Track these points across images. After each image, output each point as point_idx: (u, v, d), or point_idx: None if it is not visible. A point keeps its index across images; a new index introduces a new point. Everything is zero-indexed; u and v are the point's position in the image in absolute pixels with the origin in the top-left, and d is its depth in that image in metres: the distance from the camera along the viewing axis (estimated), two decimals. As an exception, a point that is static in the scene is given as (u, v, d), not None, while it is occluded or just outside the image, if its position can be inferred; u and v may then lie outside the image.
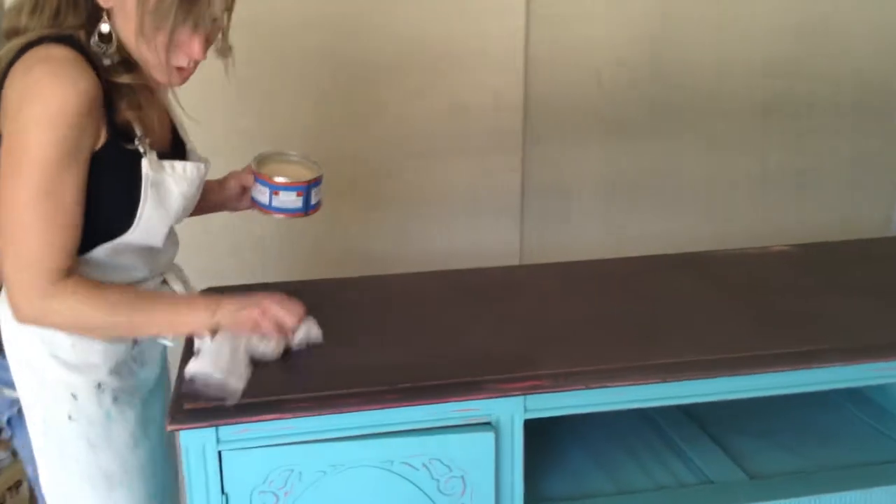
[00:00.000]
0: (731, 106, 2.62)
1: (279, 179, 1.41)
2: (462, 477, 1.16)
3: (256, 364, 1.20)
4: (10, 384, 1.27)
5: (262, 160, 1.47)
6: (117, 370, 1.27)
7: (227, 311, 1.20)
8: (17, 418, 1.32)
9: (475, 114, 2.43)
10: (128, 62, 1.17)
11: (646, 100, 2.54)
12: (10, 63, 1.12)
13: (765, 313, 1.39)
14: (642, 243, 2.62)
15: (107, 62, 1.16)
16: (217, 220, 2.45)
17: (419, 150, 2.45)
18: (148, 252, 1.29)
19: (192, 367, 1.16)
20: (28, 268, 1.12)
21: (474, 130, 2.45)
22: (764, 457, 1.39)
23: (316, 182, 1.44)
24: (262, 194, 1.43)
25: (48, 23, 1.15)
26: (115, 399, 1.27)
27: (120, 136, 1.17)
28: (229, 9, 1.24)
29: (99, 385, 1.25)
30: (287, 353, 1.24)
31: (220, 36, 1.25)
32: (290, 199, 1.43)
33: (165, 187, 1.23)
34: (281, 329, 1.23)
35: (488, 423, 1.16)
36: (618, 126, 2.54)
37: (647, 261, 1.69)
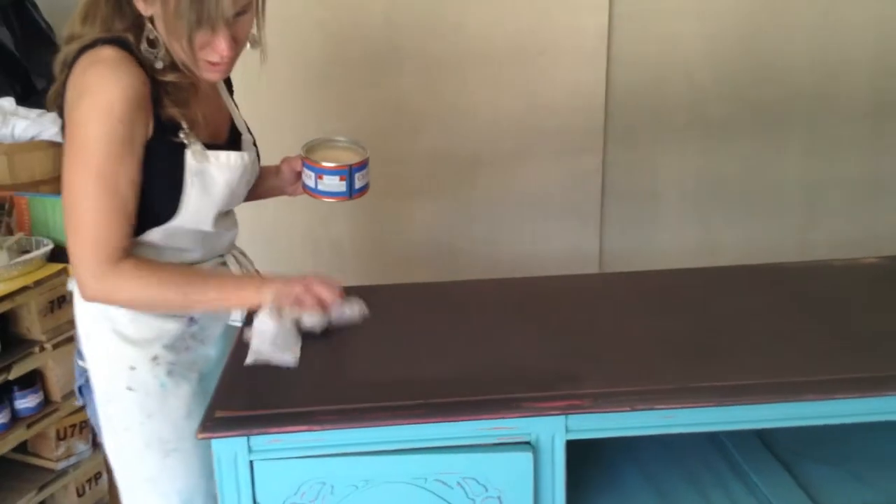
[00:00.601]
0: (838, 107, 2.45)
1: (323, 164, 1.46)
2: (499, 497, 1.12)
3: (304, 336, 1.28)
4: (83, 355, 1.40)
5: (311, 146, 1.52)
6: (172, 345, 1.36)
7: (272, 287, 1.28)
8: (87, 387, 1.42)
9: (554, 112, 2.37)
10: (175, 63, 1.25)
11: (741, 99, 2.41)
12: (71, 64, 1.23)
13: (842, 332, 1.28)
14: (735, 252, 2.50)
15: (159, 65, 1.24)
16: (296, 221, 2.50)
17: (495, 151, 2.41)
18: (201, 235, 1.37)
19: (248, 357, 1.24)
20: (89, 247, 1.22)
21: (553, 130, 2.38)
22: (835, 487, 1.27)
23: (360, 166, 1.47)
24: (308, 178, 1.48)
25: (100, 28, 1.25)
26: (170, 372, 1.36)
27: (167, 129, 1.25)
28: (254, 6, 1.28)
29: (155, 358, 1.35)
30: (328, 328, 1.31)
31: (254, 29, 1.31)
32: (335, 183, 1.47)
33: (209, 176, 1.31)
34: (321, 304, 1.29)
35: (526, 443, 1.11)
36: (709, 127, 2.42)
37: (722, 272, 1.59)
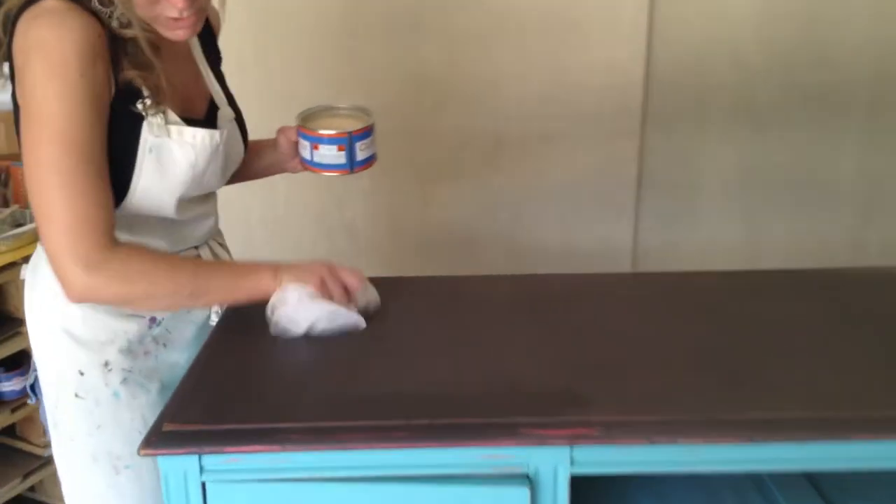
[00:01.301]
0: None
1: (319, 132, 1.30)
2: (489, 537, 0.96)
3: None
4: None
5: (308, 114, 1.36)
6: (129, 349, 1.20)
7: (291, 273, 1.15)
8: (39, 385, 1.27)
9: (587, 92, 2.18)
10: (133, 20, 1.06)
11: (793, 83, 2.19)
12: (14, 23, 1.05)
13: (902, 356, 1.10)
14: (780, 252, 2.29)
15: (114, 24, 1.06)
16: (308, 200, 2.35)
17: (521, 132, 2.23)
18: (165, 223, 1.19)
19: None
20: (71, 235, 1.03)
21: (585, 111, 2.20)
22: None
23: (361, 133, 1.31)
24: (304, 149, 1.33)
25: None
26: (125, 380, 1.20)
27: (125, 95, 1.09)
28: None
29: (106, 363, 1.19)
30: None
31: None
32: (332, 154, 1.31)
33: (169, 154, 1.13)
34: (346, 290, 1.18)
35: (524, 476, 0.95)
36: (757, 113, 2.21)
37: (764, 277, 1.40)
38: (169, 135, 1.12)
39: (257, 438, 0.94)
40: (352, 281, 1.19)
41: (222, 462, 0.94)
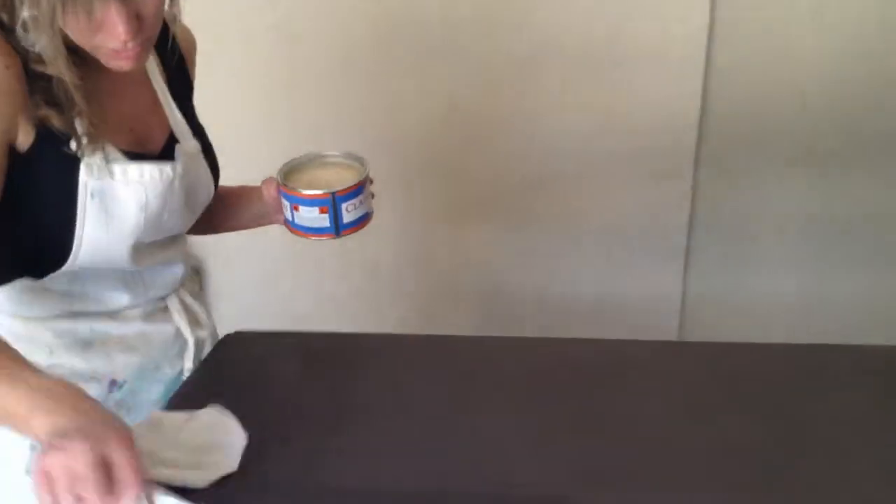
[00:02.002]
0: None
1: (298, 191, 1.11)
2: None
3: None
4: None
5: (292, 167, 1.17)
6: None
7: (44, 426, 0.78)
8: None
9: (634, 130, 2.01)
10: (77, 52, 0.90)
11: (861, 129, 1.98)
12: None
13: None
14: (842, 309, 2.07)
15: (32, 56, 0.90)
16: (326, 243, 2.22)
17: (560, 171, 2.06)
18: (122, 275, 1.06)
19: None
20: None
21: (632, 149, 2.02)
22: None
23: (348, 193, 1.10)
24: (285, 208, 1.14)
25: None
26: None
27: (55, 136, 0.93)
28: None
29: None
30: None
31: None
32: (313, 216, 1.11)
33: (114, 198, 0.98)
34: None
35: None
36: (822, 158, 2.00)
37: (821, 354, 1.20)
38: (112, 175, 0.97)
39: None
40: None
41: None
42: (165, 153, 1.07)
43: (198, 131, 1.14)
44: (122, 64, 0.92)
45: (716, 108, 1.98)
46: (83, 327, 1.07)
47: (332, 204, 1.10)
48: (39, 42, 0.85)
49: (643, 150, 2.02)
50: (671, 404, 1.06)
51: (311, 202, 1.10)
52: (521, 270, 2.14)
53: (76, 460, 0.73)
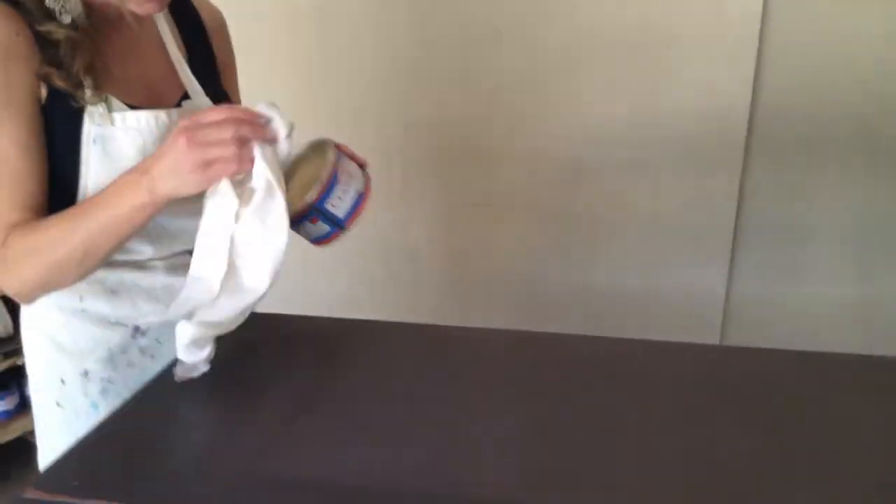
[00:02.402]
0: None
1: None
2: None
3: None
4: None
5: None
6: (111, 359, 1.15)
7: (161, 172, 0.93)
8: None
9: (681, 118, 1.91)
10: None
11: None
12: None
13: None
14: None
15: (66, 19, 1.01)
16: (370, 219, 2.20)
17: (603, 160, 1.99)
18: (150, 228, 1.08)
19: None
20: None
21: (678, 139, 1.93)
22: None
23: (323, 195, 1.04)
24: None
25: None
26: (104, 391, 1.15)
27: (64, 92, 1.01)
28: None
29: (85, 373, 1.14)
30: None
31: None
32: (311, 229, 1.08)
33: (114, 143, 1.05)
34: (239, 140, 0.91)
35: None
36: (884, 151, 1.87)
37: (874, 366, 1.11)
38: (112, 122, 1.04)
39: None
40: (217, 132, 0.91)
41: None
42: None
43: (217, 95, 1.18)
44: (149, 7, 1.02)
45: (768, 95, 1.87)
46: (112, 277, 1.12)
47: (315, 212, 1.05)
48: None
49: (690, 141, 1.93)
50: (656, 407, 0.99)
51: (298, 222, 1.06)
52: (561, 263, 2.08)
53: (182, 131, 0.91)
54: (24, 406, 1.83)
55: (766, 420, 0.95)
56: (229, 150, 0.90)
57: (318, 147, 1.09)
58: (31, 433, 1.87)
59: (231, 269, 0.98)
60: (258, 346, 1.13)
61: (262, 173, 0.92)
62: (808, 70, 1.84)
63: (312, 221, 1.06)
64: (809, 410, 0.96)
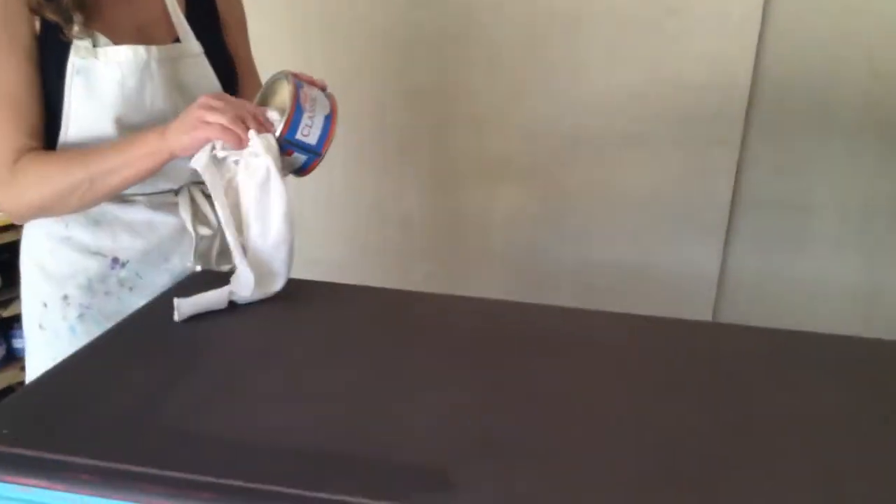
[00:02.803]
0: None
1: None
2: None
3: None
4: None
5: None
6: (89, 287, 1.21)
7: (173, 128, 1.05)
8: None
9: (682, 89, 1.88)
10: None
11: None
12: None
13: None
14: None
15: None
16: (364, 185, 2.19)
17: (602, 131, 1.95)
18: None
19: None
20: None
21: (678, 111, 1.89)
22: None
23: (291, 126, 1.06)
24: None
25: None
26: (81, 316, 1.22)
27: (55, 28, 1.09)
28: None
29: (65, 297, 1.21)
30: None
31: None
32: (290, 161, 1.10)
33: (95, 74, 1.12)
34: (237, 118, 1.03)
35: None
36: (889, 128, 1.81)
37: (809, 341, 1.08)
38: (96, 56, 1.11)
39: (48, 472, 0.77)
40: (229, 107, 1.03)
41: (13, 491, 0.79)
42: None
43: (209, 39, 1.22)
44: None
45: (771, 68, 1.82)
46: (96, 208, 1.18)
47: (288, 145, 1.07)
48: None
49: (690, 113, 1.88)
50: (623, 381, 0.97)
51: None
52: (555, 233, 2.05)
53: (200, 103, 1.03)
54: (11, 358, 1.86)
55: (740, 399, 0.92)
56: (224, 118, 1.02)
57: (276, 81, 1.12)
58: (21, 384, 1.90)
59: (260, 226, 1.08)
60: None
61: (258, 149, 1.04)
62: (812, 43, 1.78)
63: (288, 154, 1.08)
64: (792, 392, 0.94)
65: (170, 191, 1.23)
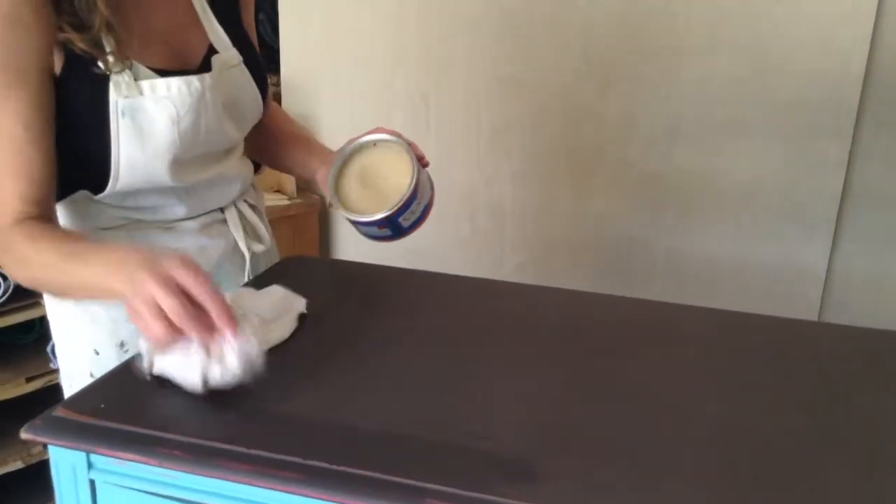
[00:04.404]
0: None
1: (352, 217, 1.09)
2: None
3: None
4: None
5: (343, 160, 1.13)
6: None
7: (119, 282, 0.84)
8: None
9: (789, 78, 1.79)
10: None
11: None
12: None
13: None
14: None
15: None
16: (456, 179, 2.18)
17: (700, 120, 1.89)
18: (179, 190, 1.06)
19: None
20: None
21: (784, 101, 1.81)
22: None
23: (404, 208, 1.07)
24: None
25: None
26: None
27: (84, 58, 0.95)
28: None
29: (121, 344, 1.10)
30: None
31: None
32: (374, 230, 1.11)
33: (144, 114, 0.99)
34: (153, 332, 0.81)
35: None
36: None
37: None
38: (141, 92, 0.98)
39: (140, 447, 0.80)
40: (156, 325, 0.80)
41: (111, 464, 0.82)
42: (205, 65, 1.07)
43: (242, 42, 1.13)
44: None
45: (887, 56, 1.71)
46: (141, 239, 1.08)
47: (388, 222, 1.08)
48: None
49: (798, 102, 1.80)
50: (703, 378, 0.94)
51: (367, 225, 1.09)
52: (650, 226, 2.00)
53: (151, 289, 0.79)
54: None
55: (836, 401, 0.88)
56: (175, 317, 0.80)
57: (388, 144, 1.11)
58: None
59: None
60: (312, 288, 1.13)
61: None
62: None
63: (380, 227, 1.10)
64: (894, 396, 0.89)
65: (217, 209, 1.16)
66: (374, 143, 1.13)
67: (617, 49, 1.91)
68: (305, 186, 2.42)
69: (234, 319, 0.82)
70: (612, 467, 0.76)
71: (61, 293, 1.01)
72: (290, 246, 2.07)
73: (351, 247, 2.43)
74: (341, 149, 1.15)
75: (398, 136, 1.11)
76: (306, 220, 2.36)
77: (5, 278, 1.76)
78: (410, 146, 1.10)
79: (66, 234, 0.98)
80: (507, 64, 2.02)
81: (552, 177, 2.07)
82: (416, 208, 1.10)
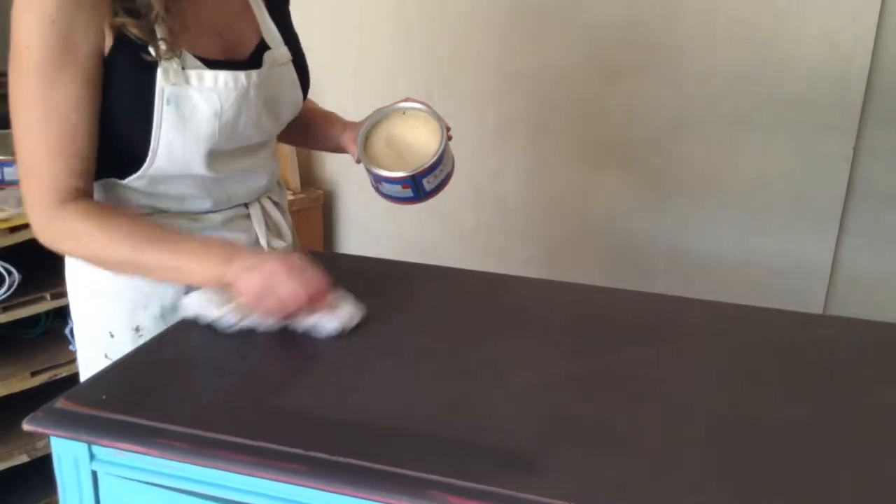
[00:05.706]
0: None
1: (377, 171, 1.14)
2: None
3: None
4: None
5: (373, 123, 1.19)
6: (163, 316, 1.11)
7: (236, 269, 0.96)
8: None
9: (794, 72, 1.78)
10: None
11: None
12: None
13: None
14: None
15: None
16: (461, 172, 2.18)
17: (705, 114, 1.89)
18: (201, 181, 1.08)
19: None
20: (31, 182, 0.98)
21: (789, 95, 1.80)
22: None
23: (427, 171, 1.14)
24: (369, 176, 1.19)
25: None
26: None
27: (134, 43, 0.97)
28: None
29: (137, 328, 1.11)
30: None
31: None
32: (396, 190, 1.17)
33: (189, 103, 1.01)
34: (282, 312, 0.97)
35: (433, 549, 0.73)
36: None
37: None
38: (188, 81, 1.00)
39: (141, 438, 0.80)
40: (291, 303, 0.96)
41: (112, 455, 0.82)
42: (254, 59, 1.08)
43: (291, 39, 1.16)
44: None
45: (892, 52, 1.71)
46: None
47: (412, 182, 1.14)
48: None
49: (803, 98, 1.79)
50: (709, 371, 0.94)
51: (392, 182, 1.14)
52: (655, 220, 1.99)
53: (271, 275, 0.95)
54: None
55: (840, 392, 0.89)
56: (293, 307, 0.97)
57: (431, 118, 1.17)
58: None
59: None
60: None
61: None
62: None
63: (404, 187, 1.15)
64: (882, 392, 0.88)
65: (241, 204, 1.17)
66: (404, 111, 1.19)
67: (623, 44, 1.91)
68: (309, 181, 2.42)
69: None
70: (616, 460, 0.76)
71: (131, 272, 1.04)
72: (295, 241, 2.07)
73: (354, 241, 2.44)
74: (370, 115, 1.20)
75: (427, 105, 1.18)
76: (310, 215, 2.36)
77: (10, 273, 1.76)
78: (441, 118, 1.18)
79: (134, 217, 1.03)
80: (513, 59, 2.02)
81: (558, 172, 2.07)
82: (440, 174, 1.16)
